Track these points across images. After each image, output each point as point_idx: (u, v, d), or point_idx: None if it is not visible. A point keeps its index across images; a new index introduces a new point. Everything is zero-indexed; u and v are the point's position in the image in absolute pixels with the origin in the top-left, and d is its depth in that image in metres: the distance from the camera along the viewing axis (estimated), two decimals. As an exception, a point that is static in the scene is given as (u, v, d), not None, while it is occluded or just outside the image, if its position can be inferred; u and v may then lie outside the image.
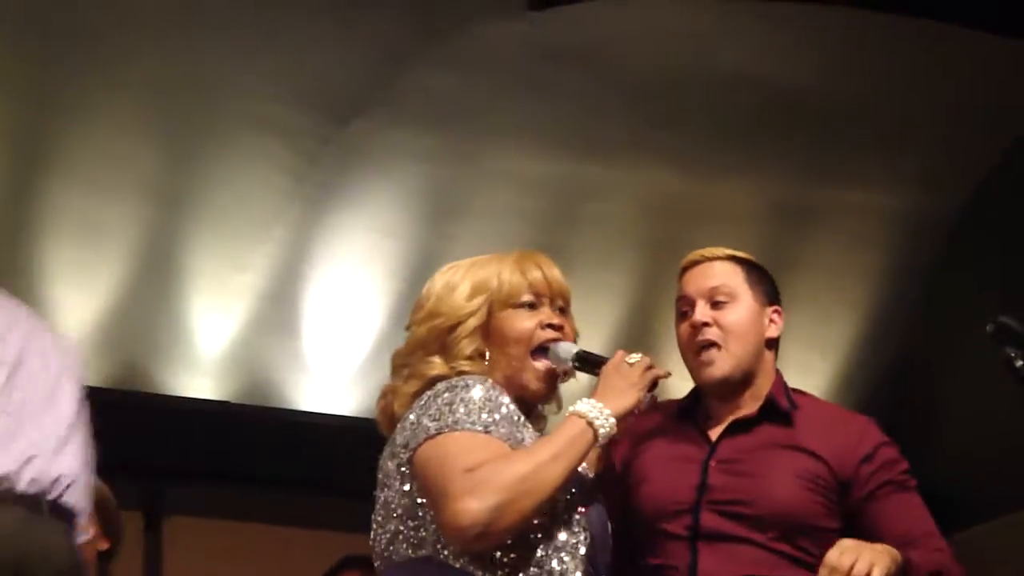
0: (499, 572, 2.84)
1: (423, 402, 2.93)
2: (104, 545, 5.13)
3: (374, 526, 2.97)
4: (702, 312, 3.35)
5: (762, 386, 3.37)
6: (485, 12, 6.29)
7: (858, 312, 7.58)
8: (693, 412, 3.41)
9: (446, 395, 2.89)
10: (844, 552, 3.10)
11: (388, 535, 2.92)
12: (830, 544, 3.14)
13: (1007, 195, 7.22)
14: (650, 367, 3.12)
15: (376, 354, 6.87)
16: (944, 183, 7.34)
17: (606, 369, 3.12)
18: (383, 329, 6.87)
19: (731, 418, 3.35)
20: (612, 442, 3.18)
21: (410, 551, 2.88)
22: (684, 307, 3.38)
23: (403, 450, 2.90)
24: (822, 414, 3.41)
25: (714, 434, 3.34)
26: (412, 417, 2.92)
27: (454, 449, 2.81)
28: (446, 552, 2.85)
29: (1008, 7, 6.36)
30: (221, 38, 6.16)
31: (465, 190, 6.81)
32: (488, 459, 2.79)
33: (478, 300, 3.06)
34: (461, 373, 2.99)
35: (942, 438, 7.51)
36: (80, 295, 6.47)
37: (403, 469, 2.91)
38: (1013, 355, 3.02)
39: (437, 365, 3.01)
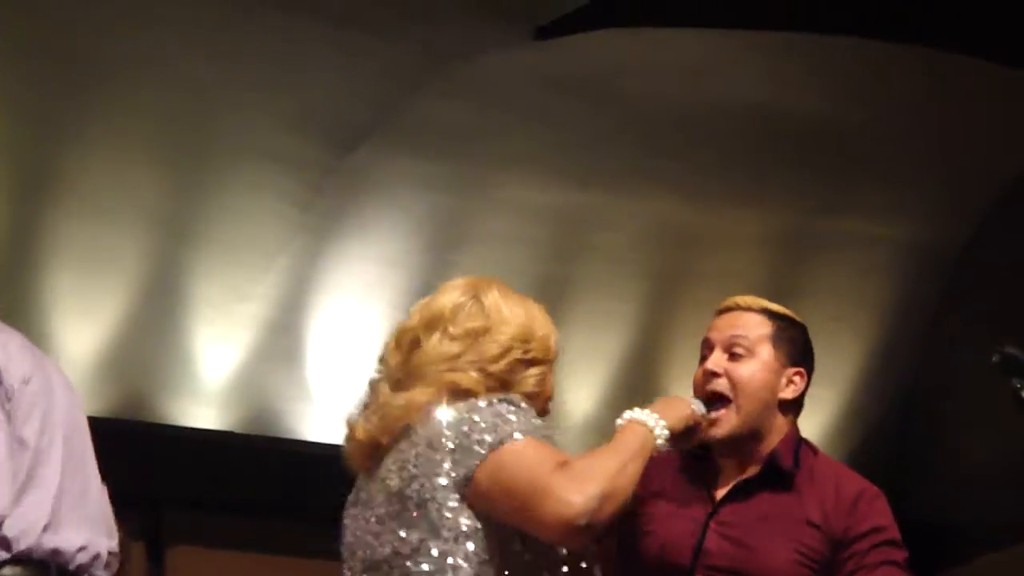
0: None
1: (456, 420, 2.81)
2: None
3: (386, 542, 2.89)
4: (716, 361, 3.32)
5: (771, 446, 3.31)
6: (490, 41, 6.29)
7: (863, 342, 7.57)
8: (703, 463, 3.35)
9: (489, 409, 2.81)
10: None
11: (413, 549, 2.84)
12: None
13: (1012, 225, 7.21)
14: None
15: (380, 384, 6.87)
16: (949, 213, 7.34)
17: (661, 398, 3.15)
18: (388, 359, 6.86)
19: (737, 478, 3.29)
20: None
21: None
22: (705, 350, 3.36)
23: (454, 470, 2.80)
24: (826, 478, 3.33)
25: (719, 493, 3.29)
26: (451, 437, 2.81)
27: (532, 453, 2.77)
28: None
29: (1013, 37, 6.37)
30: (227, 68, 6.16)
31: (470, 219, 6.80)
32: (571, 458, 2.79)
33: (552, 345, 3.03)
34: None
35: (948, 468, 7.50)
36: (85, 324, 6.47)
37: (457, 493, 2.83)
38: (1019, 385, 3.01)
39: (474, 381, 2.88)
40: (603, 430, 7.85)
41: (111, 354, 6.53)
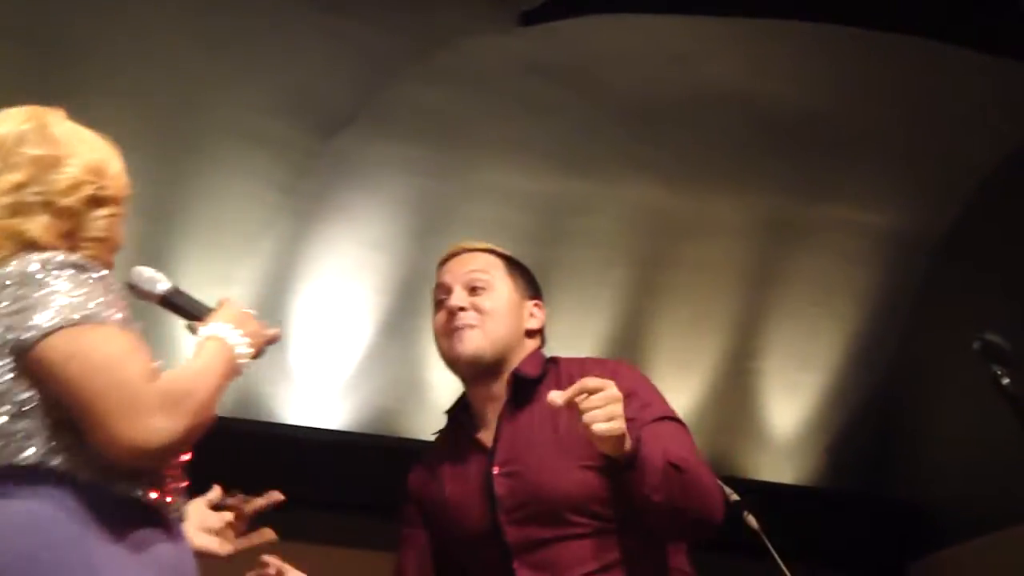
0: None
1: (21, 276, 2.44)
2: None
3: None
4: (459, 297, 3.26)
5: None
6: (474, 27, 6.30)
7: (846, 328, 7.59)
8: (464, 420, 3.28)
9: (66, 273, 2.45)
10: (598, 382, 2.89)
11: None
12: (628, 490, 2.98)
13: (995, 213, 7.23)
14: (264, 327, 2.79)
15: (364, 367, 6.87)
16: (932, 200, 7.36)
17: (229, 302, 2.77)
18: (371, 342, 6.87)
19: (496, 415, 3.21)
20: (408, 486, 3.25)
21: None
22: (441, 295, 3.29)
23: (11, 335, 2.42)
24: (572, 372, 3.19)
25: (487, 438, 3.20)
26: (11, 295, 2.44)
27: (118, 349, 2.42)
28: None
29: (998, 27, 6.38)
30: (210, 52, 6.16)
31: (453, 203, 6.80)
32: (159, 369, 2.49)
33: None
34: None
35: (930, 455, 7.52)
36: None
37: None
38: (999, 372, 3.02)
39: (42, 228, 2.51)
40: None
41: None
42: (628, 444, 2.92)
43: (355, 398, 6.88)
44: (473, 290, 3.28)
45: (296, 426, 6.81)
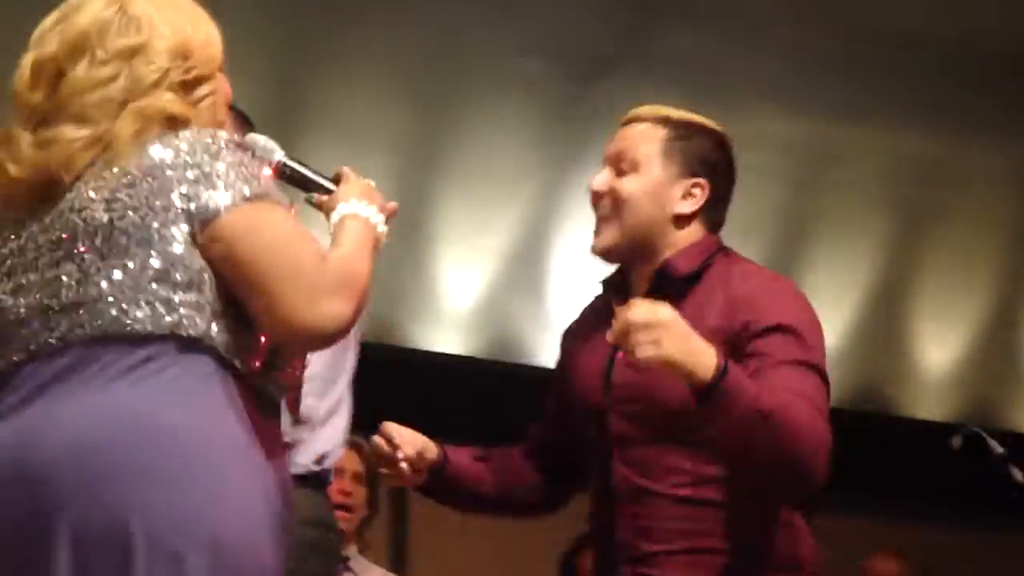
0: None
1: (188, 149, 2.38)
2: (367, 511, 5.24)
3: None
4: (600, 180, 3.11)
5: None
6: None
7: None
8: (621, 289, 3.12)
9: (229, 150, 2.40)
10: (641, 311, 2.72)
11: None
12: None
13: None
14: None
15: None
16: None
17: (350, 175, 2.63)
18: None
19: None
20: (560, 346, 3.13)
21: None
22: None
23: (189, 207, 2.37)
24: (734, 279, 2.97)
25: None
26: (182, 167, 2.38)
27: (292, 229, 2.39)
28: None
29: None
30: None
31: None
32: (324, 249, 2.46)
33: None
34: None
35: None
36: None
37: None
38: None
39: (183, 106, 2.44)
40: (844, 365, 7.79)
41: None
42: (711, 375, 2.70)
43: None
44: (619, 172, 3.09)
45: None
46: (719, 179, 3.10)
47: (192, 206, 2.31)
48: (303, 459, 3.54)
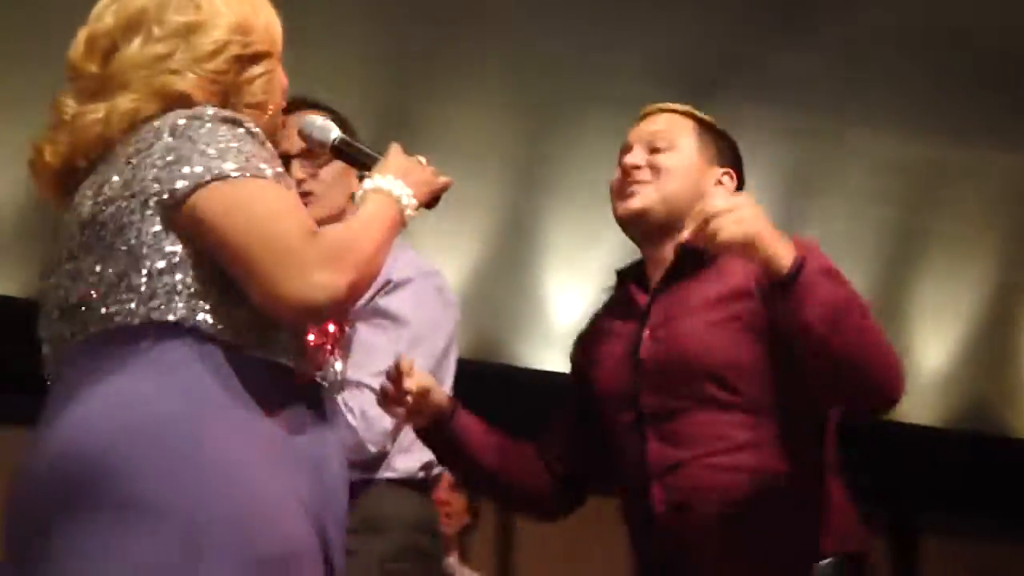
0: None
1: (172, 128, 2.34)
2: (467, 518, 5.28)
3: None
4: (635, 156, 3.06)
5: None
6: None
7: None
8: (637, 280, 3.10)
9: (219, 125, 2.35)
10: (719, 198, 2.69)
11: None
12: (787, 321, 2.68)
13: None
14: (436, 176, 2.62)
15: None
16: None
17: (396, 151, 2.59)
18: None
19: (660, 275, 3.01)
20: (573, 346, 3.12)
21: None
22: (622, 156, 3.08)
23: (162, 190, 2.32)
24: None
25: (646, 299, 3.02)
26: (163, 149, 2.34)
27: (276, 202, 2.33)
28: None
29: None
30: (578, 18, 6.24)
31: (823, 169, 6.76)
32: (319, 227, 2.38)
33: None
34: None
35: None
36: (442, 265, 6.66)
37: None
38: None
39: (191, 83, 2.41)
40: (954, 386, 7.74)
41: (465, 295, 6.71)
42: (788, 262, 2.64)
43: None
44: (655, 150, 3.07)
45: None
46: (740, 176, 3.13)
47: (165, 188, 2.26)
48: (404, 464, 3.54)
